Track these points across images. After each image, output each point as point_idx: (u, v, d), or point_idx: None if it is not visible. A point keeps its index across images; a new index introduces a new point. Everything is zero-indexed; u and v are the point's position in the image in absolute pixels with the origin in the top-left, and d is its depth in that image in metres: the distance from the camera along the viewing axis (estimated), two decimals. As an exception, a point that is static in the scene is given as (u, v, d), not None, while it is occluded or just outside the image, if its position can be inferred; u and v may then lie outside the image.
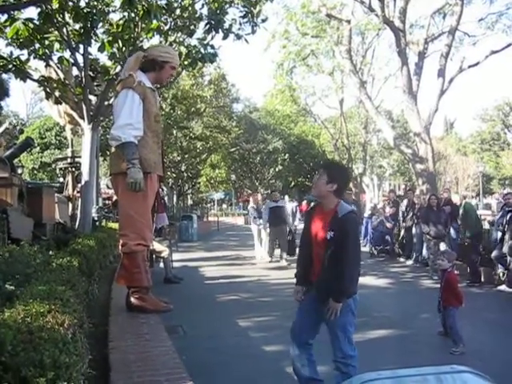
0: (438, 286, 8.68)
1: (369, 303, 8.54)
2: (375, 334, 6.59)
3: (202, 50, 9.68)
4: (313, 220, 3.99)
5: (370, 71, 32.88)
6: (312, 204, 4.48)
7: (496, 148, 63.58)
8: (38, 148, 34.82)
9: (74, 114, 9.89)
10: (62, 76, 9.37)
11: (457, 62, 20.70)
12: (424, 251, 13.00)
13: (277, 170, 47.77)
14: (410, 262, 13.57)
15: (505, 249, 9.59)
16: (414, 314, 7.88)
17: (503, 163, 56.10)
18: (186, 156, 31.84)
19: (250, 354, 5.68)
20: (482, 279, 10.46)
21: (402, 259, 14.29)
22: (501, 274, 10.15)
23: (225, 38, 9.41)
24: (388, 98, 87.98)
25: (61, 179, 16.73)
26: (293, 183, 54.05)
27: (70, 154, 14.77)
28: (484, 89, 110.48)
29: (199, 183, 46.25)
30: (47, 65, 9.38)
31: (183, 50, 9.93)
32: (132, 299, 4.32)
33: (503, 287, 9.62)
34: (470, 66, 19.59)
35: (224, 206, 59.55)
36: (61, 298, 2.50)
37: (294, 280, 4.16)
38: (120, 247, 4.34)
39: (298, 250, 4.33)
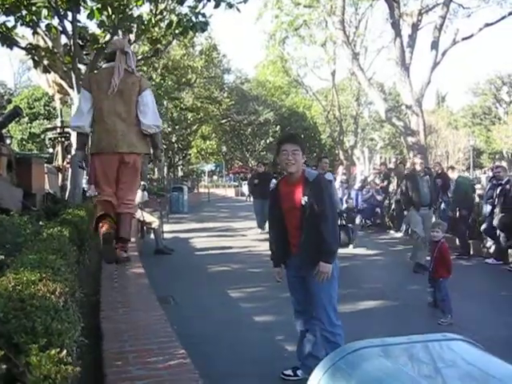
0: (427, 257, 8.81)
1: (358, 274, 8.64)
2: (364, 304, 6.65)
3: (194, 19, 9.52)
4: (281, 195, 3.99)
5: (362, 43, 32.68)
6: None
7: (487, 122, 63.61)
8: (27, 118, 34.42)
9: (63, 83, 9.75)
10: (50, 44, 9.20)
11: (450, 34, 20.63)
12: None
13: (268, 141, 47.62)
14: (399, 235, 13.66)
15: (495, 222, 9.66)
16: (403, 285, 7.95)
17: (494, 137, 56.16)
18: (177, 127, 31.65)
19: (241, 324, 5.72)
20: (471, 252, 10.55)
21: (391, 231, 14.38)
22: (489, 247, 10.24)
23: (216, 6, 9.25)
24: (380, 70, 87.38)
25: (50, 150, 16.60)
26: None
27: (59, 124, 14.59)
28: (476, 62, 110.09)
29: (190, 155, 46.10)
30: (35, 32, 9.20)
31: (174, 18, 9.78)
32: (124, 254, 5.20)
33: (491, 260, 9.72)
34: (463, 39, 19.44)
35: (215, 177, 59.46)
36: (52, 267, 2.49)
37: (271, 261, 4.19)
38: (127, 210, 5.21)
39: (269, 230, 4.31)
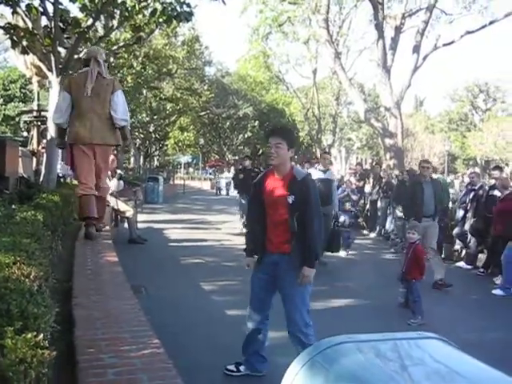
0: (398, 258, 8.91)
1: (331, 272, 8.70)
2: (335, 302, 6.71)
3: (178, 8, 9.43)
4: (265, 188, 3.92)
5: (345, 42, 32.79)
6: None
7: (463, 128, 64.62)
8: (2, 100, 33.78)
9: (42, 66, 9.56)
10: (30, 25, 9.00)
11: (432, 39, 20.82)
12: (387, 225, 13.23)
13: (246, 136, 47.63)
14: (373, 235, 13.81)
15: (466, 226, 9.81)
16: (375, 284, 8.04)
17: (468, 144, 57.05)
18: (155, 117, 31.41)
19: (213, 317, 5.71)
20: (443, 255, 10.69)
21: (365, 231, 14.51)
22: (459, 251, 10.42)
23: (202, -4, 9.19)
24: (361, 71, 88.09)
25: (24, 133, 16.30)
26: (261, 151, 54.00)
27: (35, 108, 14.33)
28: (456, 69, 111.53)
29: (167, 145, 45.78)
30: (14, 12, 8.99)
31: (158, 6, 9.67)
32: (94, 229, 6.28)
33: (461, 263, 9.88)
34: (444, 45, 19.70)
35: (191, 169, 59.20)
36: (26, 251, 2.44)
37: (244, 252, 4.17)
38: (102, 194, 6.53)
39: (247, 221, 4.26)
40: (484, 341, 5.26)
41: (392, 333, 1.71)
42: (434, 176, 12.10)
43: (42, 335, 1.37)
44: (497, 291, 7.75)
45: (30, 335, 1.32)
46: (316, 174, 9.00)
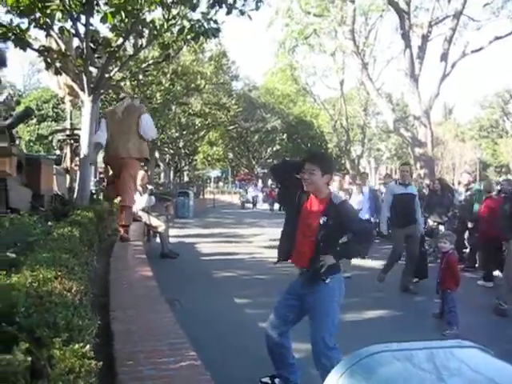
0: (431, 267, 8.79)
1: (363, 284, 8.62)
2: (369, 314, 6.66)
3: (205, 25, 9.56)
4: (302, 206, 3.97)
5: (371, 53, 32.71)
6: None
7: (494, 135, 63.61)
8: (35, 120, 34.61)
9: (74, 86, 9.78)
10: (62, 46, 9.24)
11: (460, 46, 20.54)
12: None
13: (274, 149, 47.74)
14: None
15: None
16: (407, 295, 7.94)
17: (500, 151, 56.16)
18: (184, 132, 31.75)
19: (246, 330, 5.72)
20: (478, 264, 10.52)
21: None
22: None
23: (228, 13, 9.30)
24: (388, 81, 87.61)
25: (57, 151, 16.63)
26: (290, 163, 53.91)
27: (68, 126, 14.65)
28: (484, 75, 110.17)
29: (196, 160, 46.19)
30: (48, 34, 9.25)
31: (186, 23, 9.81)
32: (124, 235, 7.59)
33: (497, 273, 9.68)
34: (473, 51, 19.50)
35: (220, 183, 59.50)
36: (66, 266, 2.51)
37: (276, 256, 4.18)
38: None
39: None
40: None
41: (431, 341, 1.71)
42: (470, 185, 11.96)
43: (88, 346, 1.42)
44: None
45: (77, 346, 1.37)
46: (396, 188, 8.39)
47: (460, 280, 6.28)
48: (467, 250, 11.05)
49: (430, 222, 11.71)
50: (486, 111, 67.31)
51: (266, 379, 4.18)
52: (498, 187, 12.36)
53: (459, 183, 13.73)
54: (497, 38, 19.50)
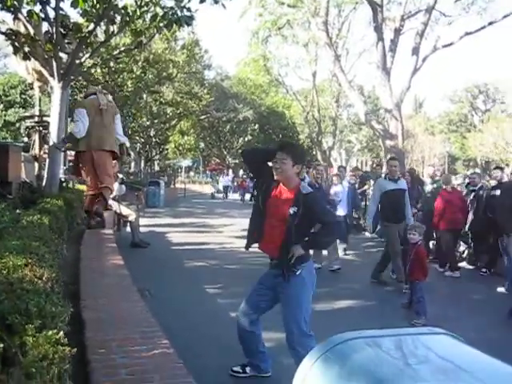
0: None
1: (334, 274, 8.72)
2: (339, 304, 6.74)
3: (179, 13, 9.46)
4: (272, 193, 3.97)
5: (344, 45, 32.86)
6: None
7: (463, 129, 64.74)
8: (2, 106, 33.85)
9: (44, 71, 9.60)
10: (31, 31, 9.05)
11: (431, 41, 20.70)
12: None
13: (246, 139, 47.66)
14: (368, 235, 13.78)
15: (467, 227, 9.84)
16: (377, 285, 8.06)
17: (469, 145, 57.13)
18: (156, 121, 31.47)
19: (218, 319, 5.73)
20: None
21: (367, 233, 14.50)
22: (463, 252, 10.44)
23: (202, 1, 9.23)
24: (360, 73, 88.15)
25: (25, 139, 16.32)
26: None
27: (37, 113, 14.39)
28: (455, 70, 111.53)
29: (167, 149, 45.79)
30: (16, 18, 9.04)
31: (159, 11, 9.70)
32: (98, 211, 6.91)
33: (464, 264, 9.90)
34: (443, 46, 19.72)
35: (191, 173, 59.21)
36: (36, 253, 2.47)
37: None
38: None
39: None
40: (487, 338, 5.27)
41: (402, 328, 1.74)
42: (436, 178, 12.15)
43: (61, 332, 1.40)
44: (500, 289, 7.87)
45: (50, 332, 1.35)
46: (385, 184, 8.06)
47: (428, 271, 6.40)
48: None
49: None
50: (456, 106, 68.44)
51: (237, 368, 4.21)
52: (467, 180, 12.62)
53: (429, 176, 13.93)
54: (467, 34, 19.76)
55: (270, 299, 4.04)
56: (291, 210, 3.80)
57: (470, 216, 9.86)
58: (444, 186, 9.86)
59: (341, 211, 10.03)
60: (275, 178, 3.91)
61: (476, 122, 65.88)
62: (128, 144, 7.89)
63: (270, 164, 3.95)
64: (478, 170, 38.05)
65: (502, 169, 10.57)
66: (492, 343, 5.04)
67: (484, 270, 9.31)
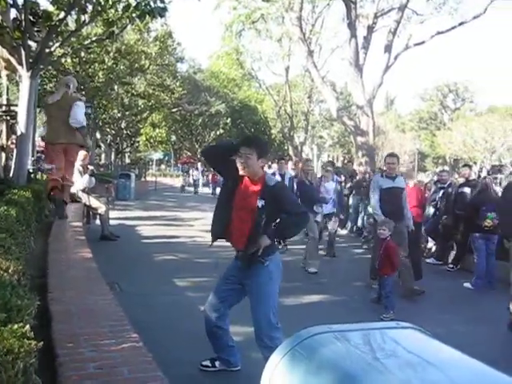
0: (370, 255, 9.03)
1: (302, 269, 8.76)
2: (307, 298, 6.77)
3: (152, 4, 9.37)
4: (239, 187, 3.94)
5: (317, 41, 32.97)
6: None
7: (432, 127, 65.76)
8: (-32, 94, 33.00)
9: (12, 59, 9.40)
10: (-2, 17, 8.86)
11: (403, 39, 20.95)
12: (359, 221, 13.39)
13: (218, 133, 47.56)
14: (344, 232, 13.92)
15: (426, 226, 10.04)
16: (346, 280, 8.13)
17: (438, 142, 58.02)
18: (127, 113, 31.17)
19: (187, 313, 5.70)
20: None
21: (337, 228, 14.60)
22: (430, 248, 10.62)
23: (176, -8, 9.16)
24: (333, 69, 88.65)
25: (-9, 129, 15.97)
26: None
27: (4, 102, 14.09)
28: (426, 69, 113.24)
29: (138, 142, 45.42)
30: (-19, 4, 8.83)
31: (132, 1, 9.59)
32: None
33: (431, 260, 10.06)
34: (415, 44, 20.00)
35: (162, 166, 58.76)
36: (2, 245, 2.42)
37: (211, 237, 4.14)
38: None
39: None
40: (454, 332, 5.38)
41: (370, 323, 1.76)
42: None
43: (28, 326, 1.37)
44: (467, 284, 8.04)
45: (16, 326, 1.32)
46: (382, 181, 7.50)
47: (396, 266, 6.48)
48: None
49: (370, 209, 12.01)
50: (426, 104, 69.45)
51: (207, 362, 4.20)
52: (436, 177, 12.82)
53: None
54: (438, 33, 20.07)
55: (237, 293, 4.04)
56: (259, 204, 3.79)
57: (440, 213, 10.03)
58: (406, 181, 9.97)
59: (329, 208, 9.98)
60: (240, 173, 3.88)
61: (446, 120, 66.95)
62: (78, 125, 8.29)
63: (233, 158, 3.92)
64: (446, 168, 38.70)
65: (470, 167, 10.78)
66: (458, 337, 5.15)
67: (451, 265, 9.48)
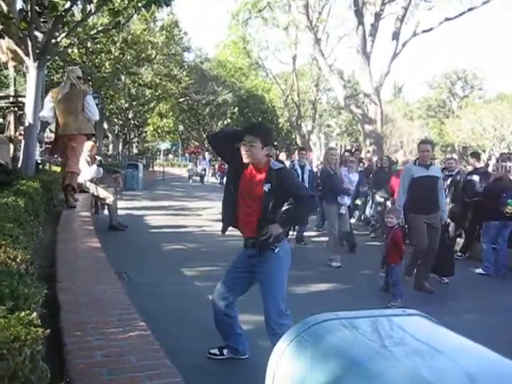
0: (378, 243, 9.02)
1: (311, 257, 8.78)
2: (317, 286, 6.78)
3: (158, -8, 9.33)
4: (244, 175, 3.94)
5: (325, 29, 32.77)
6: None
7: (441, 115, 65.32)
8: (-25, 85, 33.10)
9: (19, 50, 9.41)
10: (4, 8, 8.85)
11: (411, 26, 20.77)
12: (367, 210, 13.36)
13: (225, 122, 47.44)
14: (352, 220, 13.88)
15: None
16: (355, 269, 8.14)
17: (446, 130, 57.64)
18: (134, 103, 31.16)
19: (195, 302, 5.72)
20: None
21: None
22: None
23: (182, -19, 9.11)
24: (340, 58, 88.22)
25: (0, 120, 16.04)
26: (241, 138, 53.83)
27: (12, 93, 14.12)
28: (434, 56, 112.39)
29: (146, 132, 45.46)
30: (-12, -5, 8.83)
31: (138, -10, 9.56)
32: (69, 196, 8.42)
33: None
34: (423, 31, 19.81)
35: (170, 156, 58.83)
36: (10, 235, 2.43)
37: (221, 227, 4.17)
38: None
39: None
40: (462, 321, 5.38)
41: (377, 310, 1.75)
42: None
43: (35, 313, 1.38)
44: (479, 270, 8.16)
45: (23, 313, 1.33)
46: (415, 170, 7.05)
47: (404, 254, 6.47)
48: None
49: (378, 198, 11.99)
50: (434, 91, 68.94)
51: (215, 350, 4.22)
52: (443, 165, 12.74)
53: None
54: (446, 20, 19.86)
55: (246, 281, 4.04)
56: (265, 187, 3.78)
57: (448, 201, 9.99)
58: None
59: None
60: (244, 161, 3.86)
61: (454, 108, 66.48)
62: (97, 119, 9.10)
63: (237, 146, 3.89)
64: (455, 156, 38.46)
65: (478, 155, 10.72)
66: (467, 325, 5.15)
67: (459, 253, 9.45)
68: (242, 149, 3.83)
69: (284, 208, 3.86)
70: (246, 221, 3.93)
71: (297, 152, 11.78)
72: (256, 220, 3.85)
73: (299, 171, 9.74)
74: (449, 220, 7.91)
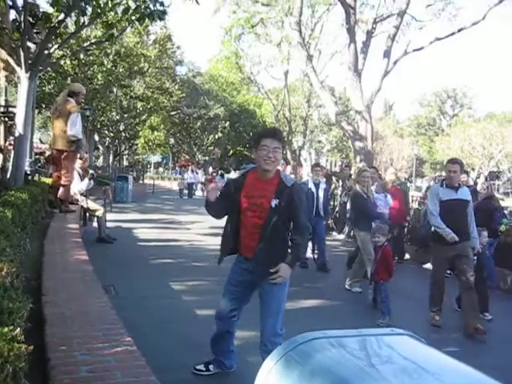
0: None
1: (300, 274, 8.74)
2: (306, 303, 6.76)
3: (151, 7, 9.36)
4: (246, 187, 3.74)
5: (317, 45, 33.01)
6: None
7: (431, 133, 65.97)
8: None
9: (11, 60, 9.38)
10: (-3, 18, 8.84)
11: (402, 44, 20.99)
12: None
13: (216, 137, 47.57)
14: (342, 237, 13.92)
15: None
16: (343, 285, 8.11)
17: (436, 148, 58.17)
18: (126, 116, 31.16)
19: (183, 316, 5.70)
20: (408, 256, 10.89)
21: (334, 233, 14.62)
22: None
23: (175, -5, 9.16)
24: (332, 74, 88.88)
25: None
26: (231, 152, 54.03)
27: (2, 103, 14.07)
28: (424, 74, 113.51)
29: (137, 144, 45.42)
30: (-19, 4, 8.82)
31: (131, 3, 9.58)
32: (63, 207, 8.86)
33: (428, 265, 10.03)
34: (414, 50, 19.99)
35: (160, 169, 58.73)
36: (-4, 247, 2.40)
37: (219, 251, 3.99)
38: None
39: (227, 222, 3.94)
40: (450, 340, 5.37)
41: (366, 329, 1.75)
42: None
43: (18, 329, 1.36)
44: None
45: (6, 329, 1.31)
46: (442, 192, 6.26)
47: (393, 271, 6.47)
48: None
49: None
50: (425, 109, 69.71)
51: (201, 366, 4.18)
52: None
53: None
54: (437, 39, 20.08)
55: (247, 295, 3.96)
56: (273, 203, 3.59)
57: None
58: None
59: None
60: (265, 168, 3.61)
61: (444, 126, 67.19)
62: (84, 140, 9.34)
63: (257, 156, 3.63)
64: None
65: (467, 173, 10.80)
66: (455, 344, 5.14)
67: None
68: (264, 154, 3.58)
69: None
70: (247, 243, 3.77)
71: (311, 168, 11.22)
72: (257, 238, 3.69)
73: (313, 189, 9.21)
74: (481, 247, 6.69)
